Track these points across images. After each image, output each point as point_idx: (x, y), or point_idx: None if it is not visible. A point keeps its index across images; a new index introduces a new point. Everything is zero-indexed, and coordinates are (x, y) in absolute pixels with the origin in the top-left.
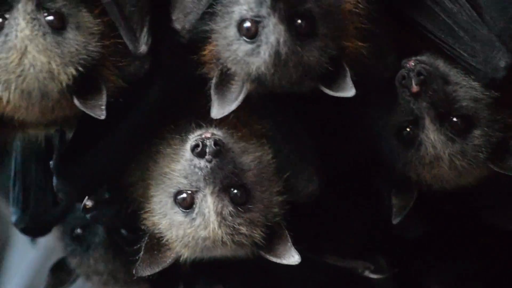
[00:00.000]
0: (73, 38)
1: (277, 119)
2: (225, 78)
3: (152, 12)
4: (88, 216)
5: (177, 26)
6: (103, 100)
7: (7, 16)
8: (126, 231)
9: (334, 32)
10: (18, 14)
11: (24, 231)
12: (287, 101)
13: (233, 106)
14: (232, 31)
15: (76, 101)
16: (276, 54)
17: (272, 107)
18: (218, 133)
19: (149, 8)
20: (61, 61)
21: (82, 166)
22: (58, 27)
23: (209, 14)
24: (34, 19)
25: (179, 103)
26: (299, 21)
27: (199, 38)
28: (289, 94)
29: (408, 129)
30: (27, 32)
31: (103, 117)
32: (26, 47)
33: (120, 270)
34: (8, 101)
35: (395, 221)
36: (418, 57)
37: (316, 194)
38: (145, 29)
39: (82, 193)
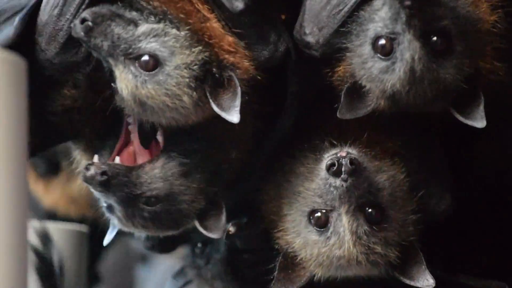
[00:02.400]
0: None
1: (409, 137)
2: (358, 89)
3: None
4: (229, 241)
5: (311, 39)
6: (238, 100)
7: None
8: (248, 254)
9: (471, 51)
10: None
11: (153, 248)
12: (419, 119)
13: (361, 112)
14: (366, 49)
15: (212, 104)
16: (411, 71)
17: (404, 125)
18: (353, 152)
19: None
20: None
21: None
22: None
23: (343, 32)
24: None
25: (312, 121)
26: (435, 38)
27: (333, 55)
28: (421, 113)
29: None
30: None
31: (236, 120)
32: None
33: None
34: None
35: None
36: None
37: (449, 212)
38: None
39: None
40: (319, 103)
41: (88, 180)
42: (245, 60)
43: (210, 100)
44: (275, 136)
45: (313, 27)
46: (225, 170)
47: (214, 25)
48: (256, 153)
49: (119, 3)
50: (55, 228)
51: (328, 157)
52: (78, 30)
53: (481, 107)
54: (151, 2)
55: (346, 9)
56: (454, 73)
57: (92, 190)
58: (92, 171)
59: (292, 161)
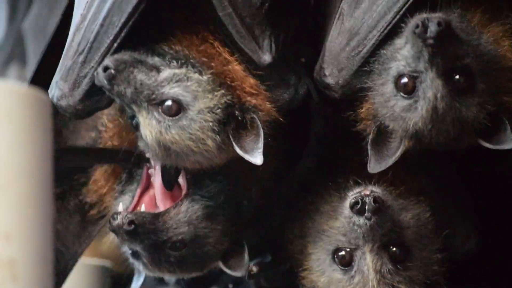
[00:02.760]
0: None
1: (434, 176)
2: (382, 134)
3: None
4: (252, 281)
5: (331, 81)
6: (261, 142)
7: None
8: None
9: (493, 88)
10: None
11: None
12: (444, 157)
13: (390, 161)
14: (389, 88)
15: (235, 147)
16: (434, 109)
17: (429, 164)
18: (377, 190)
19: (268, 24)
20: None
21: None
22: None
23: (365, 72)
24: None
25: (336, 159)
26: (457, 76)
27: (354, 95)
28: (446, 150)
29: None
30: None
31: (260, 162)
32: None
33: None
34: None
35: None
36: None
37: (474, 251)
38: (266, 40)
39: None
40: (343, 141)
41: (115, 229)
42: (267, 102)
43: (233, 143)
44: (298, 174)
45: (332, 69)
46: (246, 208)
47: (236, 67)
48: (278, 192)
49: (141, 49)
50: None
51: (352, 196)
52: (101, 78)
53: (508, 131)
54: (173, 47)
55: (365, 50)
56: (477, 111)
57: (119, 238)
58: (118, 220)
59: (317, 199)
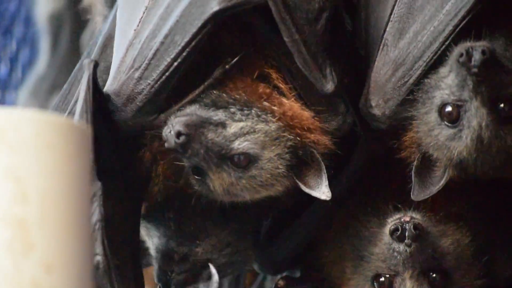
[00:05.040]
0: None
1: (474, 201)
2: (427, 162)
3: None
4: None
5: (377, 112)
6: (324, 176)
7: None
8: None
9: None
10: None
11: None
12: (484, 183)
13: (434, 190)
14: (433, 117)
15: (301, 186)
16: (479, 138)
17: (469, 189)
18: (417, 217)
19: (328, 53)
20: None
21: (279, 242)
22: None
23: (409, 100)
24: None
25: (376, 184)
26: (502, 105)
27: (399, 124)
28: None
29: None
30: None
31: (328, 197)
32: None
33: None
34: None
35: None
36: None
37: None
38: (328, 69)
39: (277, 269)
40: (383, 167)
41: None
42: (324, 137)
43: (298, 182)
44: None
45: (378, 100)
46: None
47: (293, 104)
48: (311, 210)
49: (202, 99)
50: None
51: (391, 222)
52: (174, 143)
53: None
54: (231, 94)
55: (411, 80)
56: None
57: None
58: None
59: (356, 224)
